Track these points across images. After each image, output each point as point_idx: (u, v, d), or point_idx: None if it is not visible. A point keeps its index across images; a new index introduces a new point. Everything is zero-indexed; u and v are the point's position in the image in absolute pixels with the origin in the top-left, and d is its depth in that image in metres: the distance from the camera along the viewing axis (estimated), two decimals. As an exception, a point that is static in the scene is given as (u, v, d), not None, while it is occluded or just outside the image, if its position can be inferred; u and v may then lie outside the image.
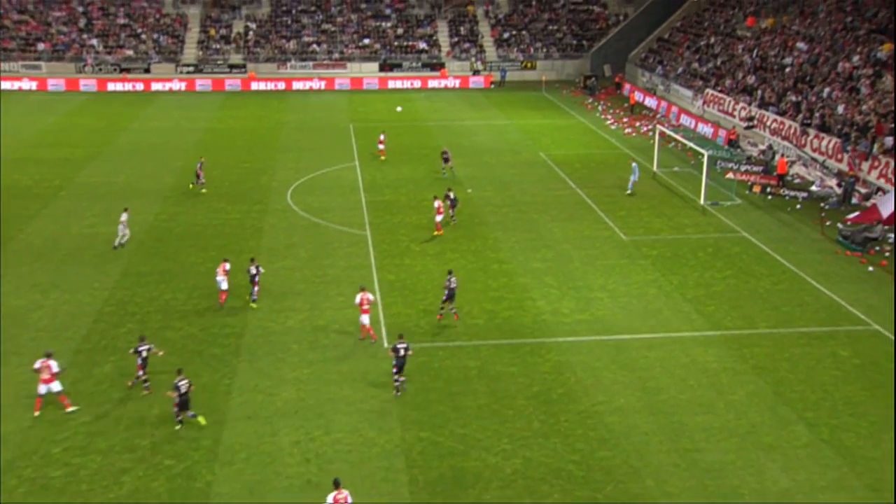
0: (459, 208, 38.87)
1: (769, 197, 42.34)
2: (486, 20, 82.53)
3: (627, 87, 70.25)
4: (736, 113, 54.91)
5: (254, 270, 28.78)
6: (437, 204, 35.37)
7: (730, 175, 44.16)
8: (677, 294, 30.25)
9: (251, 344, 26.44)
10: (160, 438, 21.65)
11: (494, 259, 33.45)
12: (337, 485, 18.16)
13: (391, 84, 73.91)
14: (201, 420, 22.04)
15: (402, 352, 23.41)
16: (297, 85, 72.82)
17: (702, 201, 40.23)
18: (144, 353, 23.41)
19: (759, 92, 53.87)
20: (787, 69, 54.25)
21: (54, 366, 22.71)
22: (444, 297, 27.55)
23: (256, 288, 29.08)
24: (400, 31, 79.64)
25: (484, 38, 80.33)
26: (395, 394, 23.30)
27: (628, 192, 42.22)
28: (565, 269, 32.53)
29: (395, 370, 23.44)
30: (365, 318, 26.20)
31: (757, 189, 42.91)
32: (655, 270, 32.44)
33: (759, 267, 32.95)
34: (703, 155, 41.35)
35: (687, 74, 64.86)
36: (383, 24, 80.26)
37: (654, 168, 46.39)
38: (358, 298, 26.24)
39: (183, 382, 21.84)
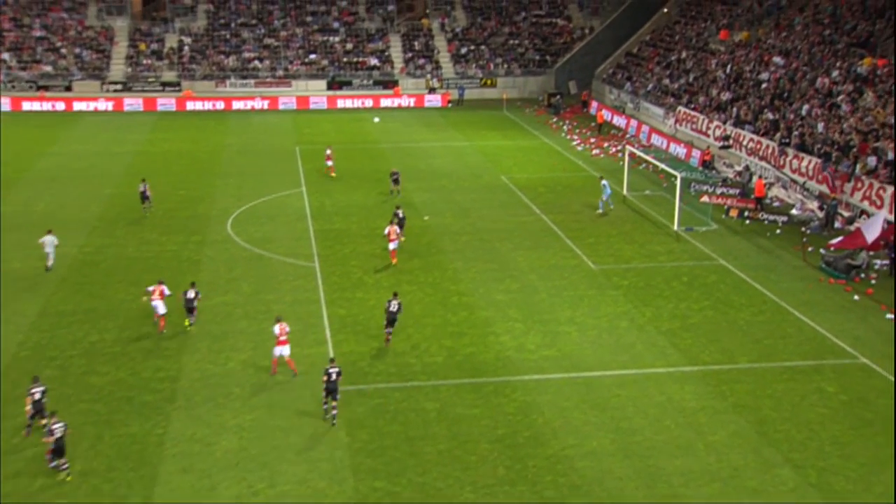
0: (417, 237, 38.89)
1: (747, 221, 42.65)
2: (443, 34, 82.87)
3: (594, 105, 70.57)
4: (710, 132, 55.22)
5: (192, 294, 29.19)
6: (387, 230, 35.55)
7: (705, 198, 44.33)
8: (651, 327, 30.39)
9: (187, 388, 26.06)
10: (82, 497, 21.01)
11: (454, 291, 33.49)
12: None
13: (340, 103, 74.09)
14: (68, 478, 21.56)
15: (333, 376, 23.96)
16: (237, 104, 72.64)
17: (675, 227, 40.58)
18: (38, 396, 23.22)
19: (735, 109, 54.19)
20: (764, 85, 54.69)
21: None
22: (386, 322, 28.41)
23: (194, 314, 29.55)
24: (349, 46, 79.77)
25: (440, 53, 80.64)
26: (331, 423, 23.92)
27: (599, 211, 42.87)
28: (530, 301, 32.60)
29: (324, 394, 24.06)
30: (285, 350, 26.45)
31: (734, 213, 43.16)
32: (627, 302, 32.60)
33: (738, 297, 33.16)
34: (675, 177, 41.54)
35: (657, 91, 65.37)
36: (331, 38, 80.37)
37: (624, 191, 46.76)
38: (277, 329, 26.52)
39: (58, 426, 21.52)
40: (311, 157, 54.40)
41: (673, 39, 71.69)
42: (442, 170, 51.54)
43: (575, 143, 60.14)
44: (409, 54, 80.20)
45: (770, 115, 50.72)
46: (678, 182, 40.81)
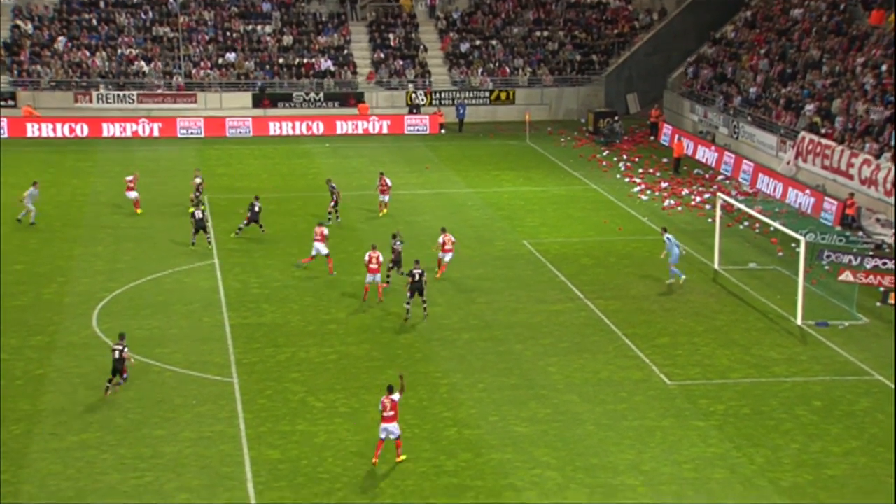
0: (390, 331, 38.41)
1: (918, 312, 42.04)
2: (432, 23, 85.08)
3: (667, 129, 71.78)
4: (854, 170, 54.85)
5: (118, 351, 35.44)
6: (370, 256, 42.22)
7: (846, 275, 44.00)
8: (764, 481, 30.11)
9: None
10: None
11: (450, 420, 33.71)
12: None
13: (273, 128, 75.52)
14: None
15: (417, 276, 40.56)
16: (109, 128, 73.64)
17: (799, 321, 41.40)
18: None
19: (895, 135, 54.05)
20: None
21: None
22: (390, 264, 38.45)
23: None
24: (288, 39, 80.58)
25: (428, 52, 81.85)
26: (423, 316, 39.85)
27: (671, 280, 44.87)
28: (569, 436, 32.74)
29: (408, 293, 40.63)
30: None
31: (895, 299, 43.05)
32: (724, 439, 32.61)
33: (907, 435, 32.73)
34: (798, 242, 42.38)
35: (765, 105, 65.20)
36: (259, 28, 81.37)
37: (716, 265, 47.39)
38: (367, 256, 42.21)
39: (118, 347, 34.23)
40: (224, 212, 55.53)
41: (788, 22, 71.49)
42: (431, 230, 51.31)
43: (637, 188, 61.27)
44: (381, 53, 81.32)
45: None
46: (801, 249, 41.48)
